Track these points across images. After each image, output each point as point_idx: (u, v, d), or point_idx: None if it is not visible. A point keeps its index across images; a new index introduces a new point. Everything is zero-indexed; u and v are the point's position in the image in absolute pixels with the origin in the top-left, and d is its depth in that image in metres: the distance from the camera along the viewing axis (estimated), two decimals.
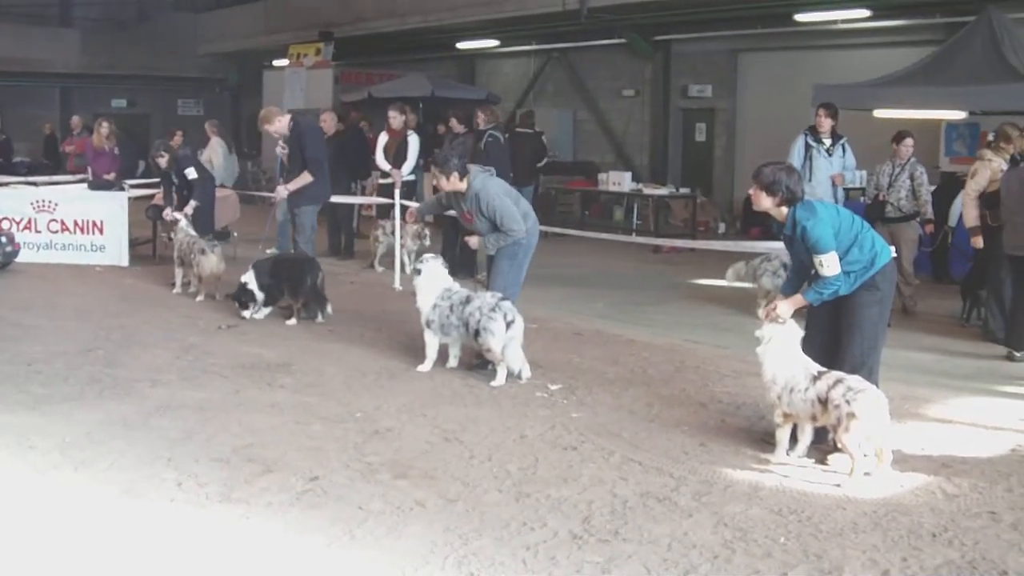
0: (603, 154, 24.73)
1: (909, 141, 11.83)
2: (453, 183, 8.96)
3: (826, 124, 12.25)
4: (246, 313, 10.94)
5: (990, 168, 10.67)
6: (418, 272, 9.04)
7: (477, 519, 5.57)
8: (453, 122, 15.12)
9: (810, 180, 11.92)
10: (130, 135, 23.31)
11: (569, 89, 25.94)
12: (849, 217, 6.82)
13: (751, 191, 6.86)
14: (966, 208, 10.93)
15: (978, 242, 10.78)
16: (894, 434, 6.56)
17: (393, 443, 6.88)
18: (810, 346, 6.73)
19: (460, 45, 26.31)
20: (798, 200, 6.70)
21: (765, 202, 6.76)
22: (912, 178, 11.67)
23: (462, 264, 13.73)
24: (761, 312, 6.93)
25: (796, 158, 12.09)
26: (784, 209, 6.72)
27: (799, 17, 19.01)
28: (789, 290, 7.09)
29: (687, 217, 19.91)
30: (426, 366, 8.82)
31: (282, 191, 12.10)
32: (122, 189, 15.58)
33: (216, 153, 19.21)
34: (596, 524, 5.50)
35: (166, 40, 33.91)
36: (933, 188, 14.38)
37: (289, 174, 12.08)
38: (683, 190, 20.14)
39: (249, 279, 10.95)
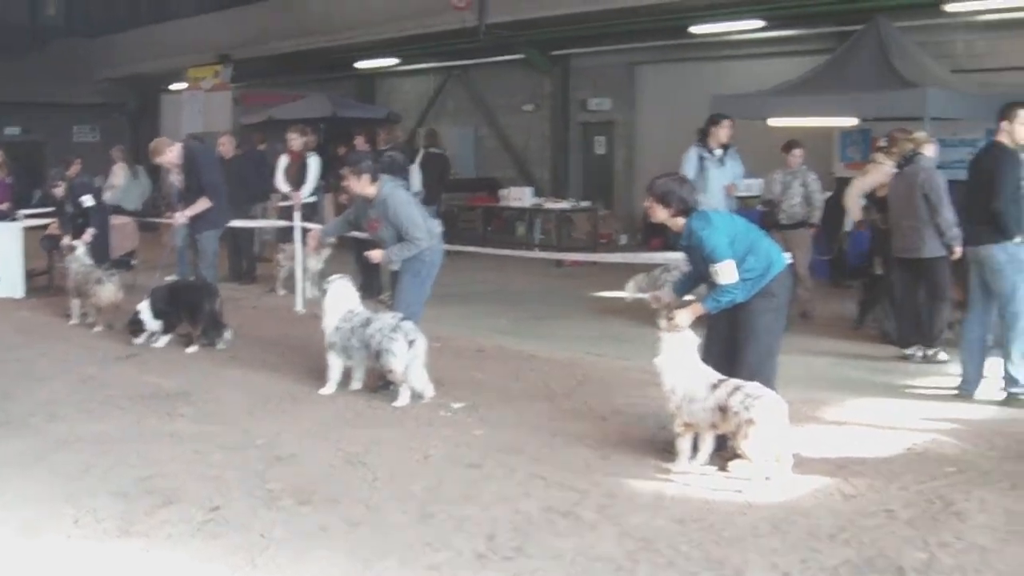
0: (505, 170, 24.78)
1: (797, 151, 12.11)
2: (364, 185, 8.96)
3: (725, 135, 12.38)
4: (137, 340, 10.80)
5: (881, 171, 10.94)
6: (325, 292, 8.99)
7: (381, 542, 5.54)
8: (359, 140, 15.07)
9: (705, 191, 12.05)
10: (24, 164, 22.92)
11: (469, 106, 25.99)
12: (744, 225, 6.94)
13: (646, 204, 6.95)
14: (850, 200, 11.33)
15: (862, 225, 11.39)
16: (793, 438, 6.63)
17: (296, 468, 6.83)
18: (709, 354, 6.81)
19: (359, 64, 26.25)
20: (692, 210, 6.79)
21: (660, 214, 6.85)
22: (805, 185, 11.90)
23: (364, 285, 13.68)
24: (663, 322, 7.01)
25: (690, 169, 12.18)
26: (680, 220, 6.81)
27: (694, 29, 19.22)
28: (680, 289, 7.28)
29: (589, 230, 20.04)
30: (329, 389, 8.76)
31: (180, 217, 11.96)
32: (15, 219, 15.28)
33: (117, 178, 18.95)
34: (500, 541, 5.51)
35: (60, 66, 33.35)
36: (829, 194, 14.69)
37: (186, 202, 11.94)
38: (584, 204, 20.26)
39: (143, 308, 10.81)
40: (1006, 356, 8.50)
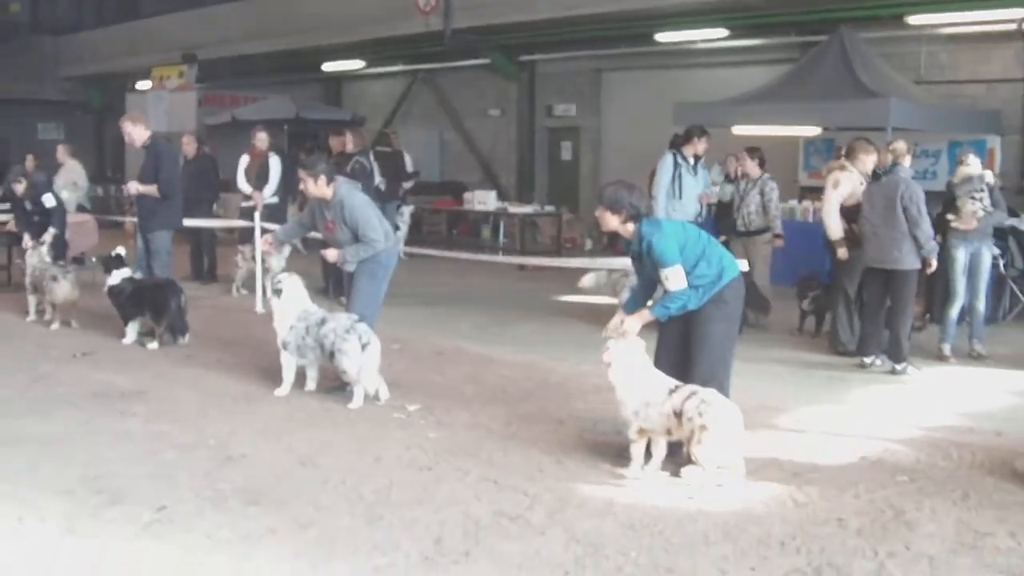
0: (470, 173, 24.81)
1: (754, 159, 12.04)
2: (320, 187, 8.87)
3: (702, 149, 12.38)
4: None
5: (852, 180, 10.71)
6: (276, 292, 8.88)
7: (328, 544, 5.48)
8: (337, 142, 15.02)
9: (680, 198, 12.10)
10: None
11: (435, 109, 26.00)
12: (695, 232, 6.92)
13: (597, 212, 6.91)
14: (829, 218, 10.82)
15: (843, 254, 10.68)
16: (746, 445, 6.63)
17: (246, 469, 6.76)
18: (661, 361, 6.79)
19: (325, 66, 26.19)
20: (642, 216, 6.77)
21: (611, 221, 6.82)
22: (762, 193, 11.84)
23: (328, 287, 13.63)
24: (609, 327, 6.99)
25: (665, 175, 12.22)
26: (630, 226, 6.78)
27: (660, 37, 19.34)
28: (631, 307, 7.14)
29: (553, 235, 20.05)
30: (283, 390, 8.68)
31: (132, 186, 11.90)
32: None
33: (80, 176, 18.83)
34: (448, 545, 5.46)
35: (24, 63, 33.11)
36: (793, 201, 14.79)
37: (140, 197, 11.86)
38: (548, 208, 20.28)
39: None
40: None
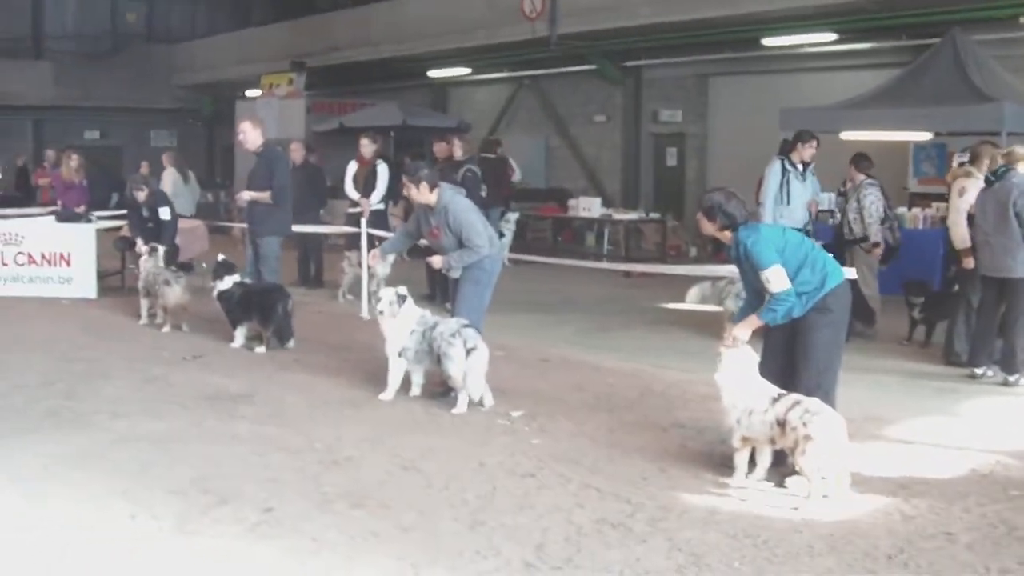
0: (575, 180, 24.78)
1: (854, 166, 11.86)
2: (423, 193, 8.92)
3: (810, 155, 12.20)
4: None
5: (978, 186, 10.29)
6: (401, 299, 8.77)
7: (431, 548, 5.53)
8: (441, 147, 15.24)
9: (788, 204, 11.95)
10: (102, 167, 23.32)
11: (541, 116, 26.03)
12: (797, 238, 6.90)
13: (697, 216, 6.93)
14: (956, 227, 10.48)
15: (970, 263, 10.29)
16: (853, 456, 6.53)
17: (351, 473, 6.85)
18: (765, 370, 6.71)
19: (431, 73, 26.41)
20: (739, 224, 6.73)
21: (707, 227, 6.87)
22: (858, 200, 11.61)
23: (443, 293, 13.72)
24: (724, 340, 6.92)
25: (774, 181, 12.07)
26: (728, 233, 6.78)
27: (767, 41, 19.16)
28: (740, 318, 7.07)
29: (658, 241, 19.97)
30: (388, 394, 8.75)
31: (245, 195, 12.12)
32: (89, 221, 15.51)
33: (167, 184, 19.21)
34: (550, 552, 5.47)
35: (139, 72, 33.96)
36: (902, 209, 14.46)
37: (251, 203, 12.05)
38: (653, 215, 20.19)
39: None
40: None
